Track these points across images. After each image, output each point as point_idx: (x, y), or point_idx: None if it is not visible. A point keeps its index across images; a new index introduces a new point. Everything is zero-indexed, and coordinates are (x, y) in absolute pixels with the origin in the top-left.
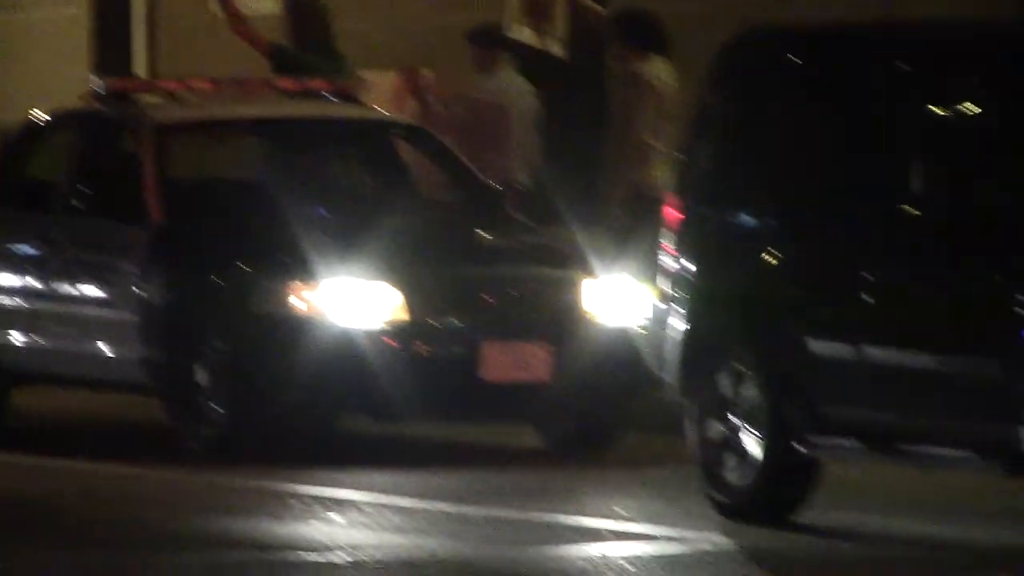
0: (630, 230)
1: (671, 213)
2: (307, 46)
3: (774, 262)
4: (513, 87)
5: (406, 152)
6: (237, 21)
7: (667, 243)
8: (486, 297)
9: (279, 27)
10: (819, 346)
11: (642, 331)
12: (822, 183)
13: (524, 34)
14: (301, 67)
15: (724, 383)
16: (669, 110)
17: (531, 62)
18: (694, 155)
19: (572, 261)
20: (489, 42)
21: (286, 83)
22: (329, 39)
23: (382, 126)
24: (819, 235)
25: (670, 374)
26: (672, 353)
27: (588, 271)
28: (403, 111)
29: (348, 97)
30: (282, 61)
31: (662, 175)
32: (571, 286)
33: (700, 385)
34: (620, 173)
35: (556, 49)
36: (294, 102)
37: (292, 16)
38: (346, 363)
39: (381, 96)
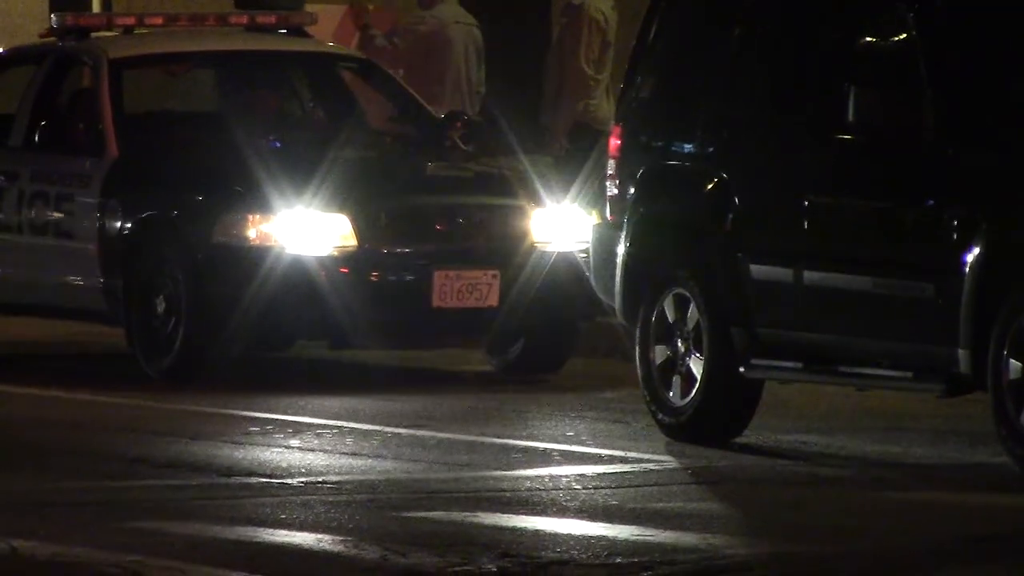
0: (573, 158)
1: (613, 141)
2: None
3: (712, 188)
4: (456, 19)
5: (355, 84)
6: None
7: (610, 170)
8: (436, 226)
9: None
10: (759, 270)
11: (586, 257)
12: (757, 110)
13: None
14: (260, 3)
15: (667, 308)
16: (609, 41)
17: None
18: (633, 84)
19: (519, 190)
20: None
21: (238, 18)
22: None
23: (331, 59)
24: (756, 161)
25: (615, 299)
26: (616, 279)
27: (535, 199)
28: (349, 45)
29: (299, 31)
30: None
31: (603, 105)
32: (518, 214)
33: (644, 310)
34: (562, 103)
35: None
36: (246, 36)
37: None
38: (301, 292)
39: (328, 30)
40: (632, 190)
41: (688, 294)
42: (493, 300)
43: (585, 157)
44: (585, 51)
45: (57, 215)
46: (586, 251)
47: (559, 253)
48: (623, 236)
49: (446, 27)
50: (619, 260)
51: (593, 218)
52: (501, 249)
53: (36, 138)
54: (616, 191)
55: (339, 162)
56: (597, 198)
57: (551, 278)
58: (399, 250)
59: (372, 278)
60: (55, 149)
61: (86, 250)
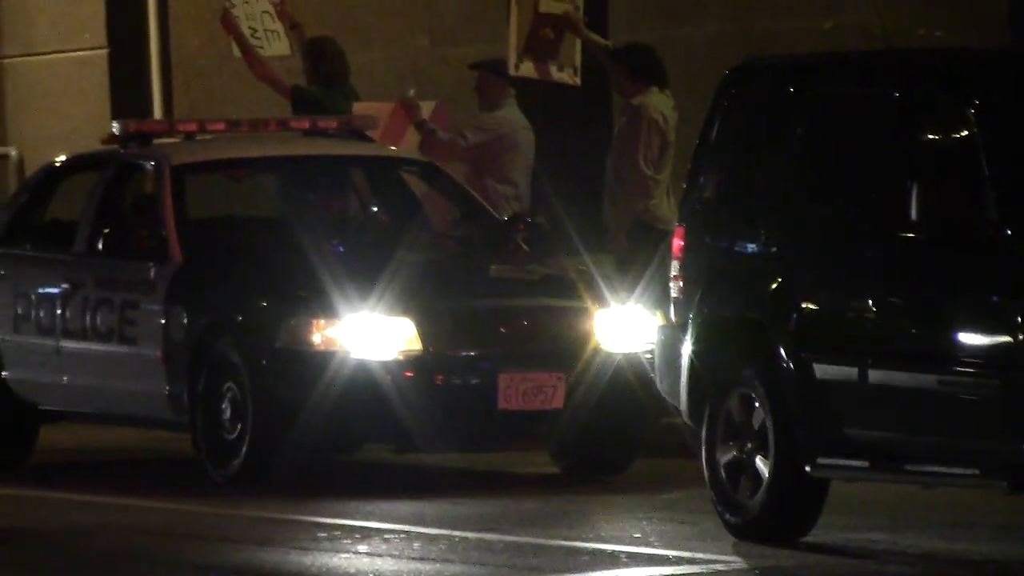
0: (635, 259)
1: (676, 242)
2: (324, 85)
3: (776, 288)
4: (520, 122)
5: (417, 187)
6: (258, 66)
7: (673, 271)
8: (501, 328)
9: (294, 68)
10: (823, 369)
11: (651, 358)
12: (822, 209)
13: (526, 68)
14: (320, 107)
15: (733, 408)
16: (669, 141)
17: (537, 94)
18: (696, 184)
19: (583, 291)
20: (497, 74)
21: (299, 123)
22: (344, 76)
23: (393, 162)
24: (819, 259)
25: (681, 400)
26: (682, 380)
27: (597, 300)
28: (403, 143)
29: (360, 135)
30: (302, 102)
31: (663, 205)
32: (583, 315)
33: (709, 410)
34: (622, 204)
35: (569, 79)
36: (308, 140)
37: (309, 56)
38: (366, 396)
39: (382, 128)
40: (696, 291)
41: (753, 394)
42: (558, 402)
43: (647, 257)
44: (644, 151)
45: (122, 322)
46: (650, 352)
47: (623, 354)
48: (688, 337)
49: (515, 130)
50: (684, 361)
51: (657, 319)
52: (566, 351)
53: (100, 245)
54: (680, 292)
55: (403, 265)
56: (660, 299)
57: (616, 379)
58: (464, 353)
59: (437, 381)
60: (119, 255)
61: (151, 356)
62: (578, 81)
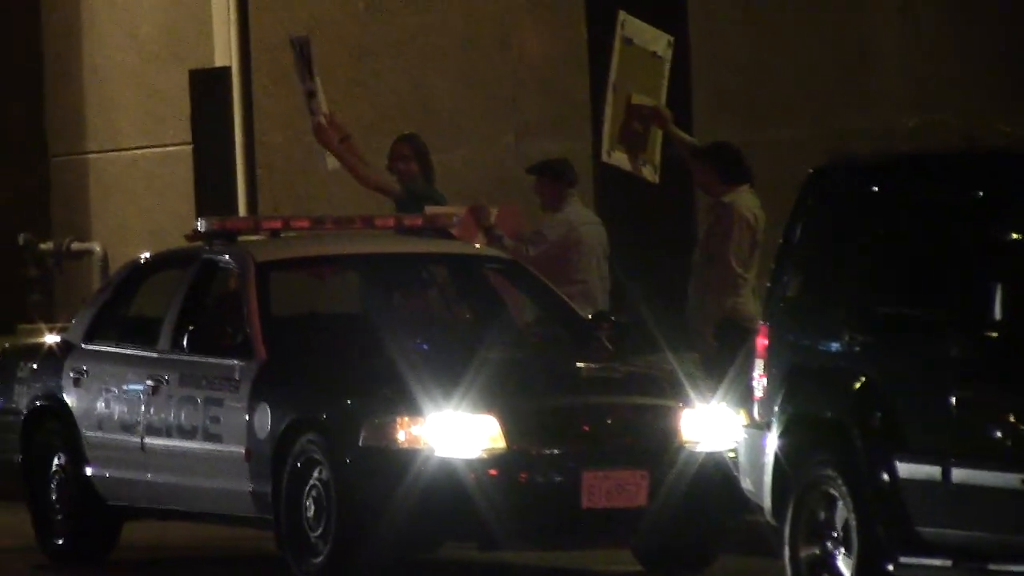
0: (720, 356)
1: (760, 340)
2: (428, 181)
3: (859, 387)
4: (583, 219)
5: (501, 284)
6: (363, 174)
7: (757, 369)
8: (585, 426)
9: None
10: (906, 468)
11: (733, 456)
12: (905, 307)
13: (617, 157)
14: (425, 202)
15: (816, 505)
16: (758, 240)
17: (618, 190)
18: (780, 283)
19: (667, 389)
20: (554, 177)
21: (384, 221)
22: (432, 175)
23: (477, 260)
24: (902, 358)
25: (763, 497)
26: (765, 478)
27: (682, 398)
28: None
29: (444, 232)
30: (414, 201)
31: (750, 303)
32: (667, 413)
33: (793, 509)
34: (710, 301)
35: (649, 176)
36: (392, 238)
37: (413, 155)
38: (450, 494)
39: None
40: (780, 389)
41: (836, 492)
42: (642, 500)
43: (732, 355)
44: (736, 249)
45: (206, 419)
46: (734, 450)
47: (707, 452)
48: (771, 435)
49: (577, 228)
50: (767, 459)
51: (741, 417)
52: (650, 449)
53: (184, 342)
54: (764, 391)
55: (486, 363)
56: (745, 397)
57: (700, 478)
58: (547, 451)
59: (521, 479)
60: (203, 353)
61: (235, 454)
62: (657, 179)
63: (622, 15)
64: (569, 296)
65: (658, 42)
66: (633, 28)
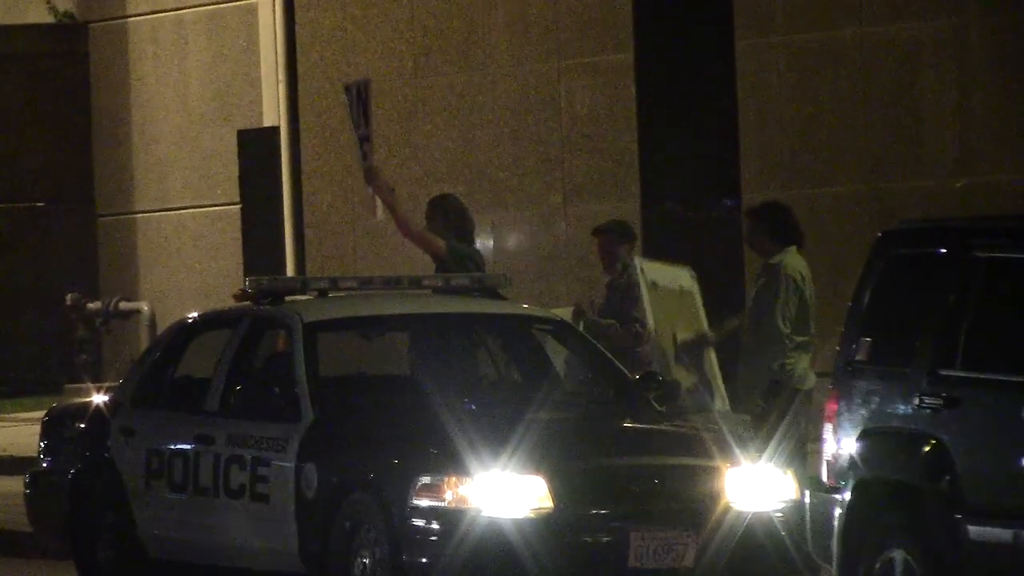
0: (768, 417)
1: (830, 404)
2: (470, 242)
3: (929, 450)
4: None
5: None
6: (410, 226)
7: (826, 433)
8: (632, 487)
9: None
10: (978, 531)
11: (781, 516)
12: (975, 371)
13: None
14: (475, 264)
15: (886, 568)
16: (808, 301)
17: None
18: (848, 346)
19: (714, 449)
20: (619, 238)
21: (432, 281)
22: (472, 234)
23: (526, 320)
24: (973, 422)
25: (832, 560)
26: (834, 541)
27: (730, 459)
28: None
29: (493, 293)
30: (459, 260)
31: (799, 364)
32: (714, 474)
33: (863, 572)
34: (759, 362)
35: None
36: (440, 298)
37: (452, 214)
38: (498, 554)
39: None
40: (849, 453)
41: (907, 555)
42: (689, 561)
43: (781, 415)
44: (782, 310)
45: (253, 478)
46: (783, 511)
47: (755, 513)
48: (841, 499)
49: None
50: (836, 523)
51: (790, 477)
52: (697, 510)
53: (232, 402)
54: (833, 454)
55: (534, 423)
56: (792, 457)
57: (747, 539)
58: (595, 511)
59: (568, 540)
60: (251, 413)
61: (283, 514)
62: None
63: (639, 261)
64: (631, 334)
65: (681, 278)
66: (654, 273)
